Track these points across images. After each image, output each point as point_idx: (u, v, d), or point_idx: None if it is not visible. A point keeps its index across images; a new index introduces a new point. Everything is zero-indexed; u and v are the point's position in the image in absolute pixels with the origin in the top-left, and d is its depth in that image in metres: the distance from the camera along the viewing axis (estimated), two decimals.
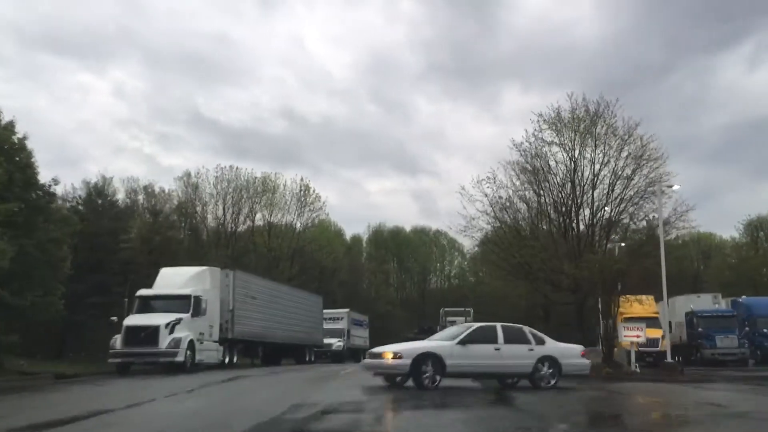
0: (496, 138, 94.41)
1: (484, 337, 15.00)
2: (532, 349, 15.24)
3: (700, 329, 33.89)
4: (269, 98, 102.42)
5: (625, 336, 21.30)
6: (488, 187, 26.42)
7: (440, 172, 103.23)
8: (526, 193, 26.88)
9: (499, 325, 15.58)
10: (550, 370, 15.17)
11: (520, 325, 16.63)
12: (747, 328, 34.75)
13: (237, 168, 59.17)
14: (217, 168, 59.01)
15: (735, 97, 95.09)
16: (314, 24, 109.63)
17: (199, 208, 59.98)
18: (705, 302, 37.47)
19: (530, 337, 15.59)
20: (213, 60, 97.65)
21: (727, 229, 73.62)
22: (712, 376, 21.38)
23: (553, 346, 15.69)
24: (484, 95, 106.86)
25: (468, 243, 27.22)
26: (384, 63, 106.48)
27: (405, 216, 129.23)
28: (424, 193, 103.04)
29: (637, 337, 21.24)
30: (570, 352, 15.99)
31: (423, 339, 17.60)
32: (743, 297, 40.23)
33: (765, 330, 35.18)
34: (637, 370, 20.98)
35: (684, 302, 37.14)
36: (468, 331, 15.12)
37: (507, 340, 15.04)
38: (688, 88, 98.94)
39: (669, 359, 22.41)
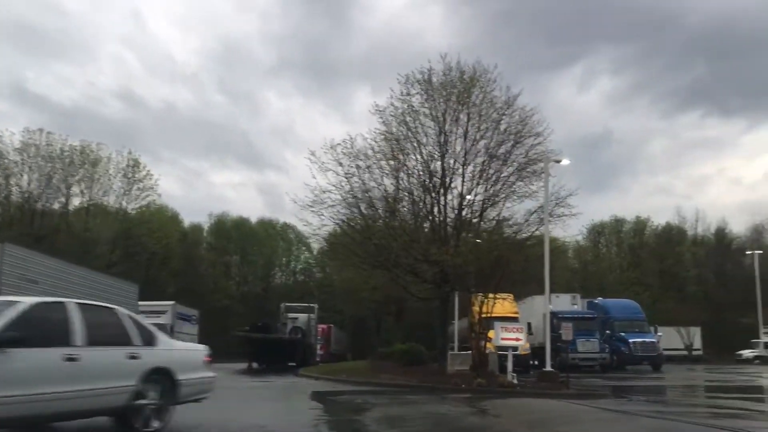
0: (345, 137, 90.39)
1: (47, 329, 6.84)
2: (135, 356, 7.71)
3: (560, 331, 31.28)
4: (106, 78, 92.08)
5: (502, 339, 17.31)
6: (344, 154, 21.65)
7: (288, 168, 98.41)
8: (389, 163, 22.34)
9: (74, 304, 7.41)
10: (162, 398, 7.96)
11: (112, 306, 8.55)
12: (608, 331, 32.87)
13: (48, 133, 50.17)
14: (25, 131, 49.71)
15: (567, 116, 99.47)
16: (157, 3, 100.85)
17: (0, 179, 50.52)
18: (564, 303, 35.24)
19: (131, 328, 8.00)
20: (44, 31, 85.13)
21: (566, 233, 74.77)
22: (598, 388, 18.05)
23: (168, 349, 8.48)
24: (335, 94, 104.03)
25: (316, 222, 22.03)
26: (233, 53, 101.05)
27: (251, 210, 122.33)
28: (271, 189, 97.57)
29: (516, 340, 17.33)
30: (192, 359, 8.90)
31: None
32: (599, 298, 38.77)
33: (622, 334, 33.54)
34: (515, 380, 17.00)
35: (542, 302, 34.60)
36: (12, 316, 6.55)
37: (91, 338, 7.17)
38: (527, 104, 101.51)
39: (548, 367, 18.77)
